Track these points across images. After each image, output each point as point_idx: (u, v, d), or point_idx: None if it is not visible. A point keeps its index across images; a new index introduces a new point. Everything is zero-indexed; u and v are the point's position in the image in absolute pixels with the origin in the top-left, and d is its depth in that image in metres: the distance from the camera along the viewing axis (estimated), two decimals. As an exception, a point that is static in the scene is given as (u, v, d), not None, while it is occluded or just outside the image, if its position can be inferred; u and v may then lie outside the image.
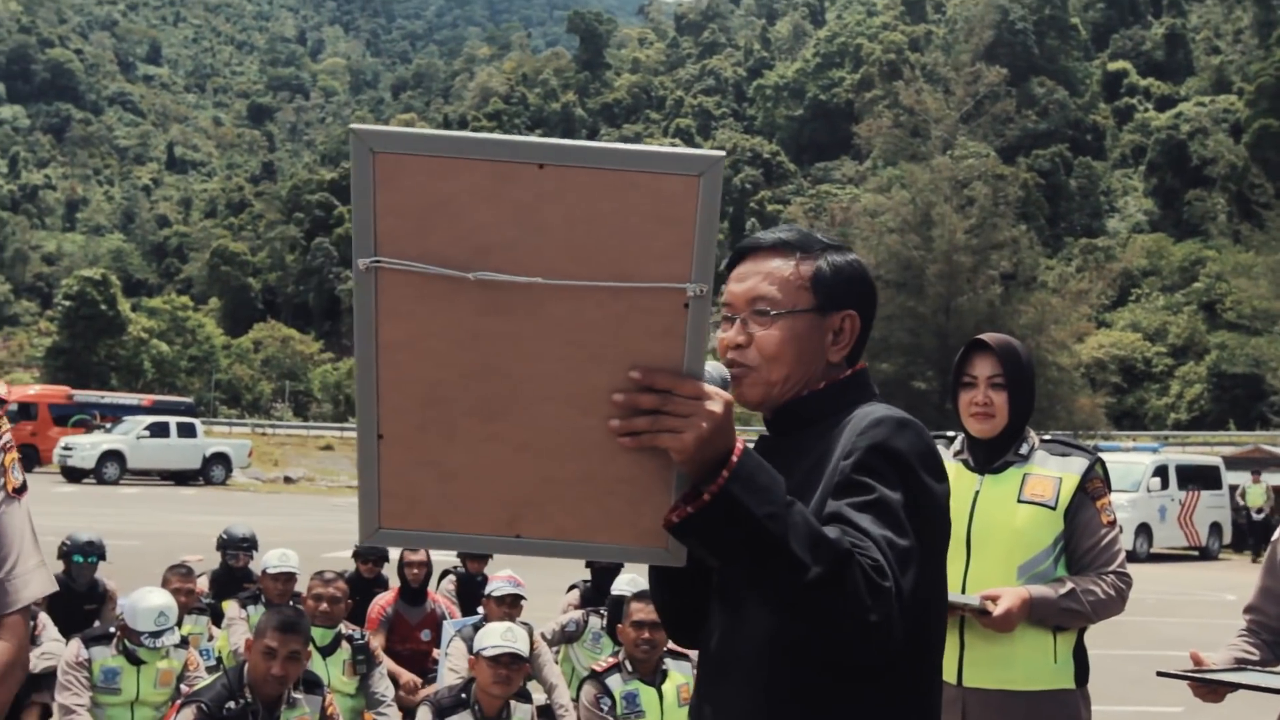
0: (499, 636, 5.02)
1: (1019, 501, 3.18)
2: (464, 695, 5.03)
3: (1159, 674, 3.11)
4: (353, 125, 1.35)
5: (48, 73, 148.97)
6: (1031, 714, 3.15)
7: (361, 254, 1.35)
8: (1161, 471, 22.67)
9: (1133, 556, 20.60)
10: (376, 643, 6.54)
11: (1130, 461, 23.29)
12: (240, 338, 73.23)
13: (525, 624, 6.90)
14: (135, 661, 5.65)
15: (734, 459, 1.45)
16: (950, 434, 3.48)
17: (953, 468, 3.24)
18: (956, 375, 3.34)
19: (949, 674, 3.10)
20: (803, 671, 1.69)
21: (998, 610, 3.01)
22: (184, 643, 5.94)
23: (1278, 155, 60.66)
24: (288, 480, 36.00)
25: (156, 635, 5.46)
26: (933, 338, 39.96)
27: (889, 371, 39.75)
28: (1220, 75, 78.57)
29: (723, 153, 1.41)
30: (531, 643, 6.90)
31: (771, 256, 1.88)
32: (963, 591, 3.12)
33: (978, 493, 3.24)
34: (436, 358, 1.41)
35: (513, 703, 5.11)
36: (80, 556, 7.04)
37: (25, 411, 34.02)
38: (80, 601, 6.77)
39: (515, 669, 5.01)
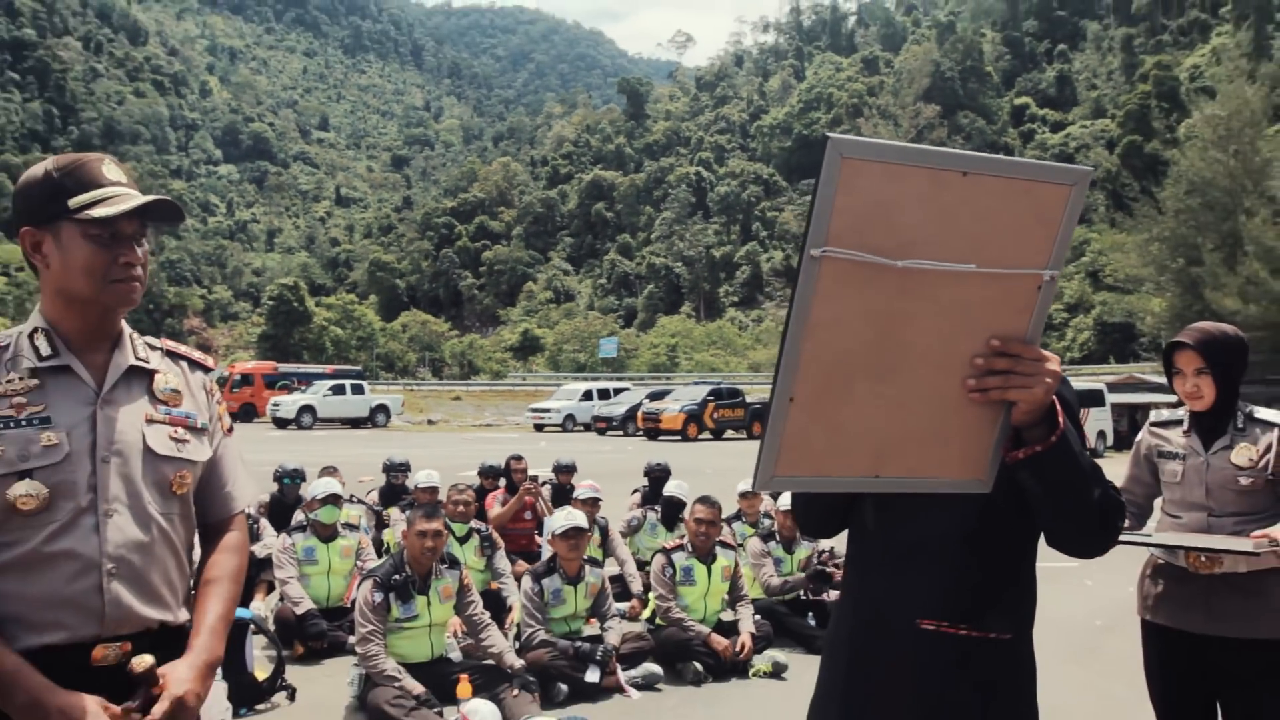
0: (564, 519, 5.27)
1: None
2: (551, 564, 5.23)
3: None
4: (829, 134, 1.23)
5: (250, 140, 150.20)
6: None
7: (814, 244, 1.23)
8: (1060, 395, 22.54)
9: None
10: (497, 535, 6.62)
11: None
12: (392, 322, 73.88)
13: (603, 518, 6.99)
14: (325, 540, 5.84)
15: (1060, 415, 1.43)
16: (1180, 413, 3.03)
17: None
18: (1167, 369, 2.92)
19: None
20: (982, 557, 1.65)
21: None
22: (355, 528, 6.16)
23: (1141, 162, 60.33)
24: (430, 422, 36.33)
25: (323, 502, 5.81)
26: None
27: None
28: (1097, 104, 77.27)
29: (1091, 169, 1.31)
30: (607, 532, 7.00)
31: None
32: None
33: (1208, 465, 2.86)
34: (851, 332, 1.30)
35: (586, 567, 5.28)
36: (288, 479, 7.20)
37: (246, 380, 34.87)
38: (288, 510, 6.89)
39: (579, 539, 5.22)
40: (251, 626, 4.86)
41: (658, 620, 5.51)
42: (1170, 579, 2.90)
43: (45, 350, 1.64)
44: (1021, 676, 1.71)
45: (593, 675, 4.79)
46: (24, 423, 1.57)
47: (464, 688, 4.45)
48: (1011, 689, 1.70)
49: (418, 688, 4.30)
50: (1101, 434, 24.08)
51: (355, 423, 31.91)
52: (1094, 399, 24.16)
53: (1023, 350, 1.33)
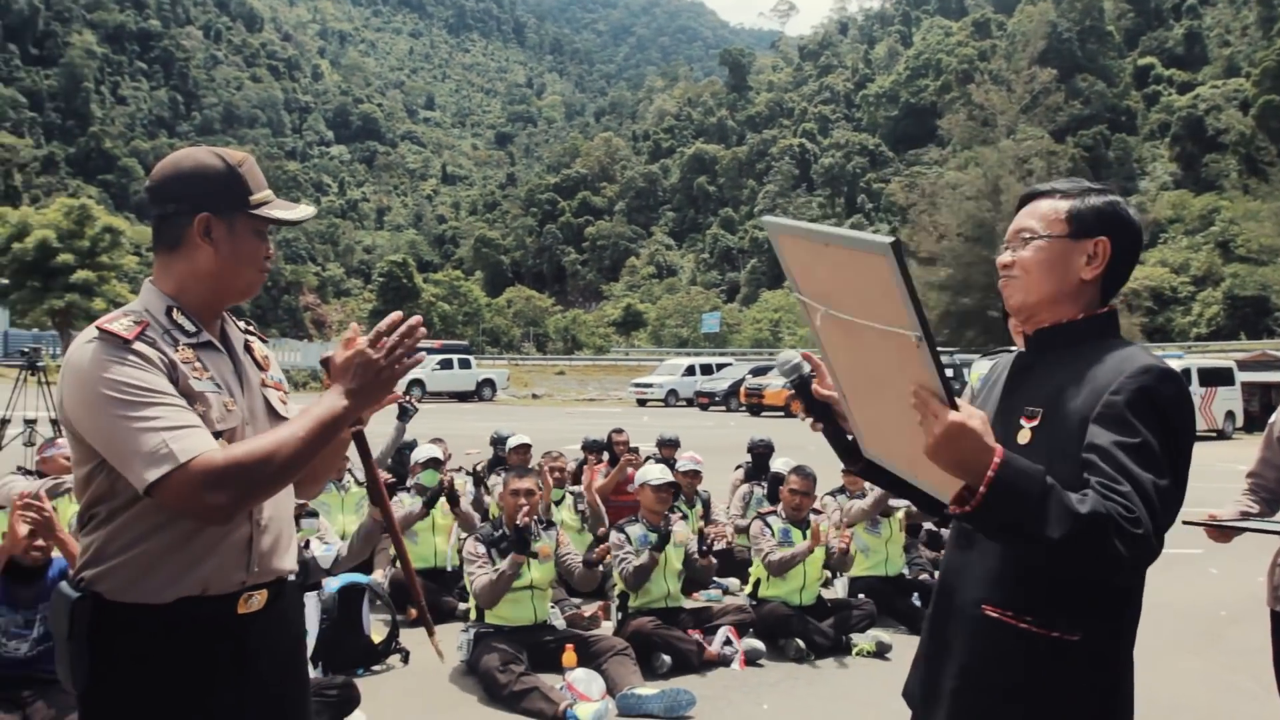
0: (659, 473, 5.52)
1: None
2: (635, 516, 5.43)
3: (1184, 523, 2.98)
4: (764, 219, 1.58)
5: (360, 121, 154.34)
6: None
7: (793, 289, 1.66)
8: (1186, 373, 21.46)
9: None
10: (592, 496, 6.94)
11: (1161, 366, 22.17)
12: (497, 298, 75.06)
13: (705, 491, 7.10)
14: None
15: (991, 473, 1.39)
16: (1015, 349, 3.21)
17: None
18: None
19: None
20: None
21: None
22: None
23: (1279, 124, 56.26)
24: (534, 397, 36.94)
25: (424, 466, 6.18)
26: (1003, 277, 38.51)
27: (970, 304, 38.45)
28: (1230, 63, 72.53)
29: (889, 241, 1.32)
30: (709, 504, 7.15)
31: (1038, 200, 1.80)
32: None
33: None
34: (842, 353, 1.62)
35: (673, 519, 5.44)
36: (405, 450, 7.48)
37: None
38: (401, 480, 7.15)
39: (667, 493, 5.46)
40: (368, 592, 5.07)
41: (760, 592, 5.54)
42: None
43: (190, 327, 1.76)
44: (1086, 680, 1.62)
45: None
46: (211, 388, 1.72)
47: (569, 657, 4.56)
48: (1069, 692, 1.62)
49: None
50: (1230, 414, 23.09)
51: (462, 396, 32.55)
52: (1222, 378, 23.17)
53: (925, 401, 1.39)
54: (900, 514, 6.24)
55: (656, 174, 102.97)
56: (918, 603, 5.90)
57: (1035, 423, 1.67)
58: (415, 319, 1.68)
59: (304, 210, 1.83)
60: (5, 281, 37.24)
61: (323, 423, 1.64)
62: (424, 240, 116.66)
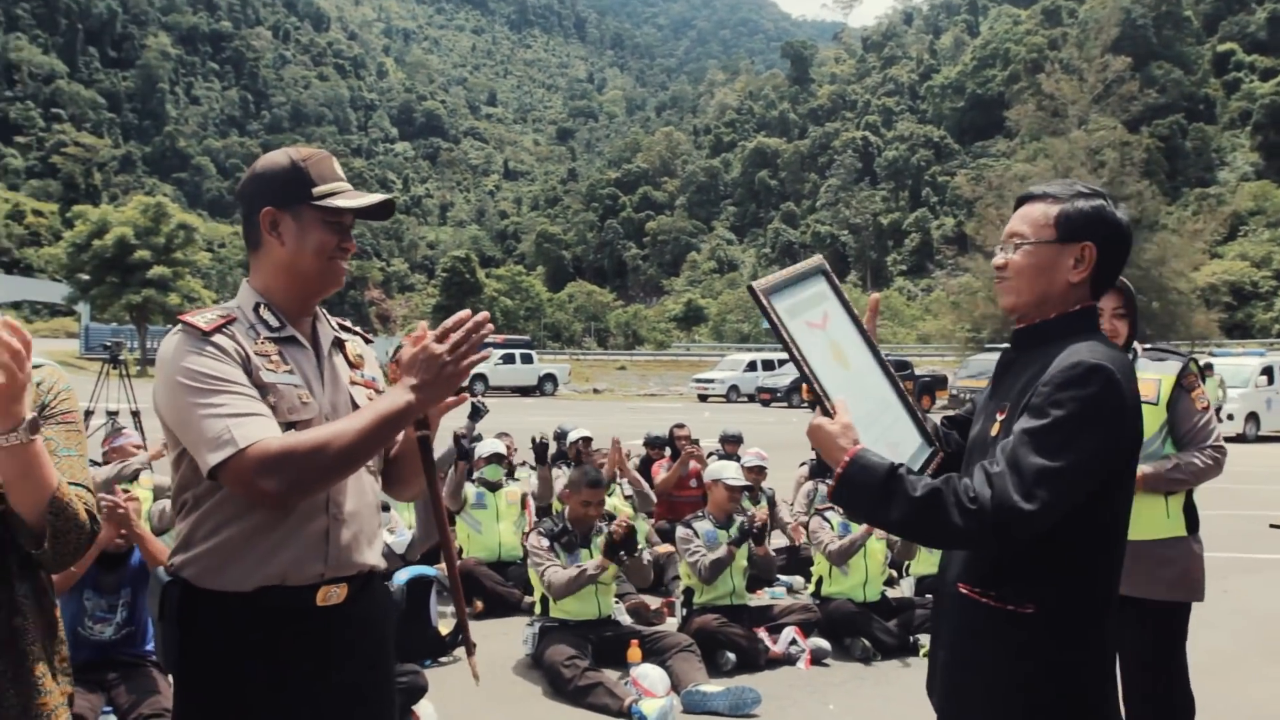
0: (734, 472, 5.54)
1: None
2: (701, 512, 5.44)
3: (1271, 526, 2.90)
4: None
5: (423, 118, 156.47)
6: (1151, 556, 2.99)
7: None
8: (1268, 371, 20.63)
9: (1243, 438, 18.90)
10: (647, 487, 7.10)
11: (1241, 364, 21.23)
12: (558, 293, 75.51)
13: (770, 488, 7.07)
14: (493, 489, 6.30)
15: (839, 469, 1.71)
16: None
17: None
18: None
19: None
20: None
21: None
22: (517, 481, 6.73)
23: (1371, 110, 53.82)
24: (595, 391, 37.10)
25: (488, 460, 6.33)
26: (1073, 271, 37.45)
27: (1038, 299, 37.65)
28: (1318, 47, 69.66)
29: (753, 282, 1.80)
30: (774, 501, 7.13)
31: (1034, 202, 1.89)
32: None
33: None
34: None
35: (734, 515, 5.42)
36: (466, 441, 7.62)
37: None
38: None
39: (739, 493, 5.49)
40: (436, 584, 5.15)
41: (823, 590, 5.50)
42: None
43: (274, 322, 1.82)
44: (1045, 653, 1.71)
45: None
46: (286, 381, 1.77)
47: (634, 652, 4.58)
48: (1029, 663, 1.72)
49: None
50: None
51: (524, 391, 32.80)
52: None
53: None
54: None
55: (718, 168, 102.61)
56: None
57: (1003, 416, 1.80)
58: (482, 315, 1.69)
59: (370, 198, 1.83)
60: (86, 277, 38.55)
61: (383, 417, 1.66)
62: (486, 235, 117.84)
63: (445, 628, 5.06)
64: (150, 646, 3.99)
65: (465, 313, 1.71)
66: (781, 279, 1.87)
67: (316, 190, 1.80)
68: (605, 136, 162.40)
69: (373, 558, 1.89)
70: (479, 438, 7.53)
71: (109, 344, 10.05)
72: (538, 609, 4.89)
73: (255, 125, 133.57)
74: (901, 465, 1.68)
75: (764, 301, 1.75)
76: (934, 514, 1.62)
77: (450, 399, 1.81)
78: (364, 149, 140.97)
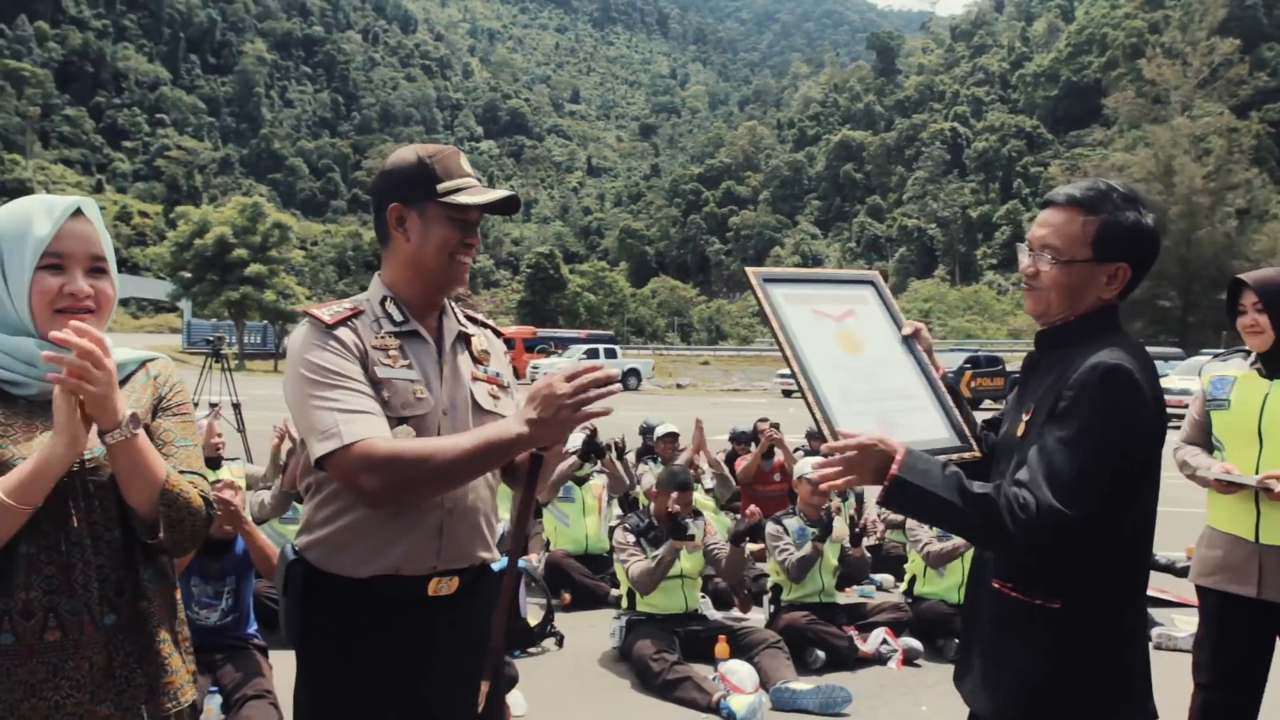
0: (811, 469, 5.36)
1: None
2: (792, 508, 5.39)
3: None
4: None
5: (508, 116, 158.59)
6: None
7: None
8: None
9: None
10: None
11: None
12: (641, 288, 75.77)
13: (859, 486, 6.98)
14: (579, 483, 6.37)
15: (891, 472, 1.70)
16: (1219, 350, 3.22)
17: (1247, 375, 2.99)
18: (1230, 307, 3.01)
19: (1247, 532, 2.88)
20: None
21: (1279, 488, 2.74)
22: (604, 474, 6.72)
23: None
24: (679, 386, 37.07)
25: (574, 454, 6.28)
26: (1175, 265, 35.79)
27: (1139, 295, 35.98)
28: None
29: (755, 271, 2.06)
30: (861, 499, 7.01)
31: (1061, 210, 1.85)
32: (1255, 473, 2.84)
33: (1267, 395, 2.89)
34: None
35: (829, 508, 5.39)
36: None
37: (507, 344, 36.57)
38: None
39: (824, 492, 5.30)
40: (524, 576, 5.21)
41: (916, 589, 5.38)
42: None
43: (398, 316, 1.86)
44: (1074, 647, 1.75)
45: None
46: (402, 375, 1.81)
47: (722, 648, 4.56)
48: (1057, 654, 1.75)
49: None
50: None
51: (607, 386, 33.02)
52: None
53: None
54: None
55: (801, 162, 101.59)
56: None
57: (1029, 417, 1.82)
58: (613, 373, 1.70)
59: (493, 193, 1.85)
60: (188, 275, 40.13)
61: (491, 442, 1.67)
62: (570, 232, 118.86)
63: (533, 619, 5.11)
64: (253, 629, 4.13)
65: (595, 365, 1.70)
66: (790, 274, 2.07)
67: (441, 187, 1.82)
68: (688, 132, 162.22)
69: (485, 552, 1.94)
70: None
71: (211, 339, 10.44)
72: (624, 602, 4.90)
73: (345, 126, 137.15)
74: (950, 467, 1.72)
75: (751, 280, 1.91)
76: (986, 521, 1.66)
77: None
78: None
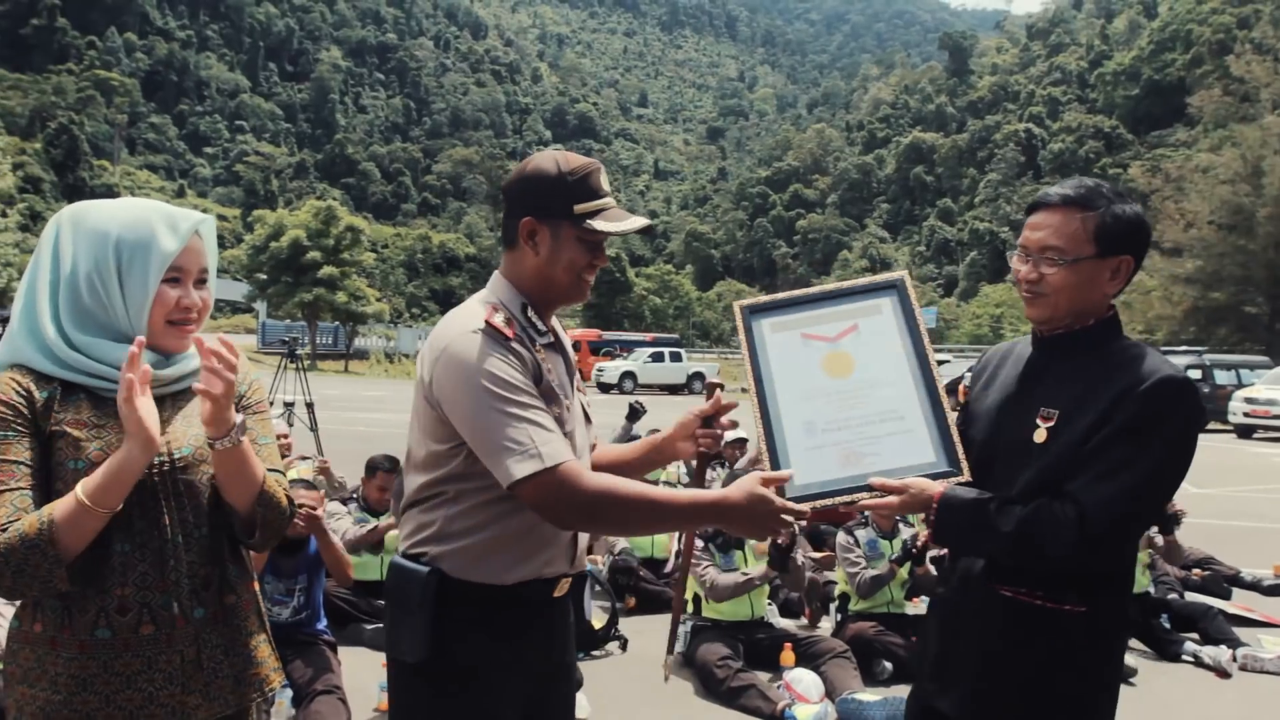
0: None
1: None
2: (864, 518, 5.24)
3: None
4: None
5: (576, 120, 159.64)
6: None
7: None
8: None
9: None
10: None
11: None
12: (707, 292, 75.53)
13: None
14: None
15: (931, 517, 1.83)
16: None
17: None
18: None
19: None
20: None
21: None
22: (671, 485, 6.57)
23: None
24: (743, 390, 36.71)
25: None
26: (1263, 269, 34.34)
27: (1221, 300, 34.71)
28: None
29: (748, 302, 2.11)
30: None
31: (1057, 211, 1.85)
32: None
33: None
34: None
35: (901, 527, 5.22)
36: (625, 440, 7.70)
37: (574, 347, 36.96)
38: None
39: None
40: (589, 579, 5.22)
41: (850, 607, 5.24)
42: None
43: (541, 326, 1.86)
44: (1093, 649, 1.80)
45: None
46: (560, 390, 1.82)
47: (787, 655, 4.51)
48: (1079, 660, 1.79)
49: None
50: None
51: (672, 389, 32.85)
52: None
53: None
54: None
55: (870, 165, 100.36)
56: (1167, 624, 5.40)
57: (1052, 424, 1.80)
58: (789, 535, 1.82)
59: (633, 222, 1.85)
60: (263, 277, 41.14)
61: (700, 510, 1.75)
62: (636, 235, 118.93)
63: (598, 622, 5.12)
64: (323, 625, 4.20)
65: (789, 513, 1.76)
66: (786, 299, 2.06)
67: (579, 209, 1.80)
68: (756, 135, 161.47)
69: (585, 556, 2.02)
70: (636, 437, 7.60)
71: (287, 339, 10.71)
72: (689, 608, 4.87)
73: (417, 131, 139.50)
74: (990, 499, 1.79)
75: (736, 314, 1.98)
76: (1035, 541, 1.71)
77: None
78: (519, 152, 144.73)
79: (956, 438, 1.91)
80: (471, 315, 1.77)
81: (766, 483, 1.73)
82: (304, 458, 6.22)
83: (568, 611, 1.96)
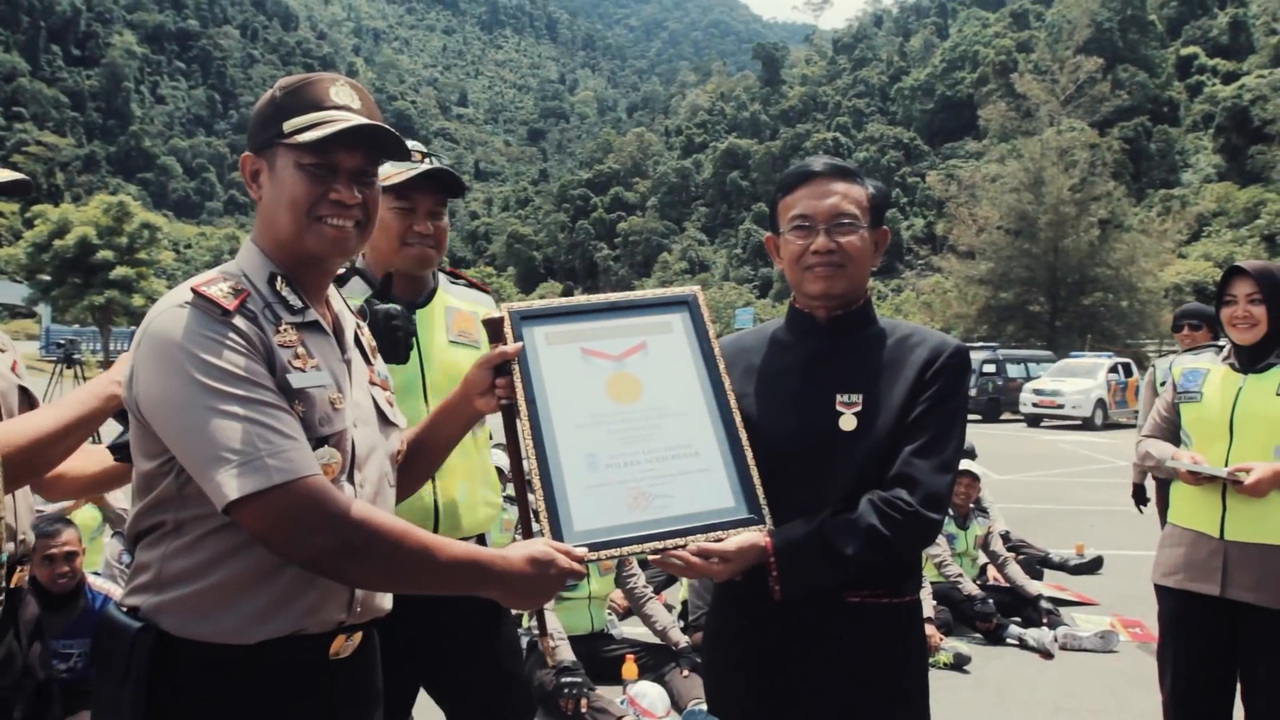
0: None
1: (1278, 395, 2.71)
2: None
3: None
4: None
5: (394, 118, 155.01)
6: None
7: None
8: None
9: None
10: None
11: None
12: (530, 294, 75.08)
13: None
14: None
15: (774, 571, 1.63)
16: (1221, 343, 3.00)
17: (1219, 370, 2.88)
18: (1219, 296, 2.87)
19: (1211, 528, 2.76)
20: None
21: (1249, 480, 2.60)
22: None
23: (1331, 113, 54.82)
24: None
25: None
26: (1044, 271, 37.45)
27: (1010, 299, 37.70)
28: (1277, 51, 70.96)
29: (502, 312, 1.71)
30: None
31: (834, 180, 1.74)
32: (1225, 465, 2.73)
33: (1240, 389, 2.77)
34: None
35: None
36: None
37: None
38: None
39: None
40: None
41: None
42: None
43: (295, 303, 1.40)
44: (921, 630, 1.83)
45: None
46: (314, 382, 1.36)
47: (630, 668, 4.27)
48: (917, 648, 1.80)
49: (568, 655, 4.09)
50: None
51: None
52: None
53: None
54: (979, 527, 5.93)
55: (689, 169, 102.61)
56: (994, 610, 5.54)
57: (858, 409, 1.69)
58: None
59: (347, 120, 1.37)
60: (47, 278, 37.65)
61: (479, 569, 1.35)
62: (457, 236, 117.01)
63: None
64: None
65: (578, 563, 1.46)
66: (564, 306, 1.72)
67: (288, 125, 1.36)
68: (577, 137, 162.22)
69: (389, 601, 1.52)
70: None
71: (63, 343, 9.66)
72: (526, 620, 4.55)
73: (223, 125, 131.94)
74: (818, 524, 1.63)
75: (504, 320, 1.62)
76: (888, 543, 1.61)
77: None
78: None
79: (757, 479, 1.65)
80: (185, 287, 1.34)
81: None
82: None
83: (364, 678, 1.47)
